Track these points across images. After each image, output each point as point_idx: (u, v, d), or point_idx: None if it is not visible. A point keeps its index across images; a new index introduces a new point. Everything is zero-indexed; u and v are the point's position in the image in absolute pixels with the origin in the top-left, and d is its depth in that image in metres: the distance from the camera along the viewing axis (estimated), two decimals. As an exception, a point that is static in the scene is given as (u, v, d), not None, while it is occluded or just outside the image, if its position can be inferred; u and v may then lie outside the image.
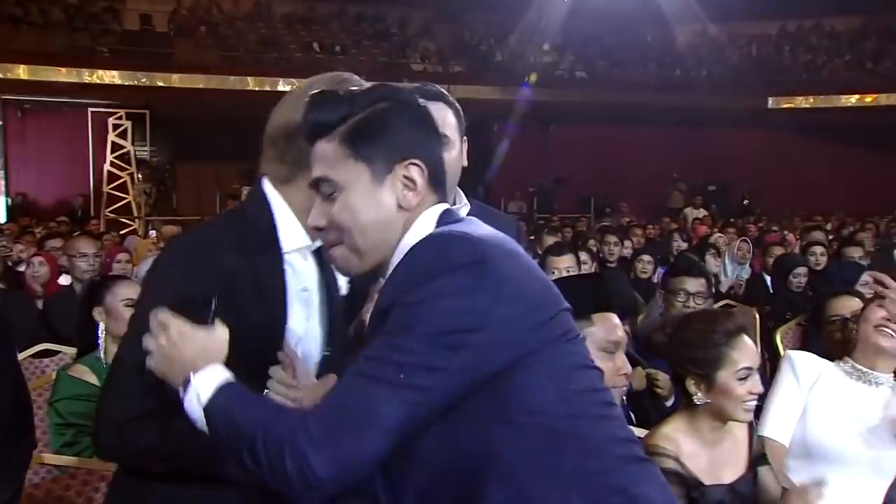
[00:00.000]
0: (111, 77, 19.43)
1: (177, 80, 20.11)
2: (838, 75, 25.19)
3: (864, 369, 2.86)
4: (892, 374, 2.87)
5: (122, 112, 18.68)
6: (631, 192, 22.60)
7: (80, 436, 3.11)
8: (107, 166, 18.50)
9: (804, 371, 2.87)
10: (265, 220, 1.83)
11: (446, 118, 2.31)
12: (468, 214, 2.18)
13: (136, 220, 17.01)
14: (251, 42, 22.38)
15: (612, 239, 8.27)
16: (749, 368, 2.37)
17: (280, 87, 20.61)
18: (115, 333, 3.43)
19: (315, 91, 1.65)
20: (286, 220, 1.83)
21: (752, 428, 2.58)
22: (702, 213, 18.29)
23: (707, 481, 2.34)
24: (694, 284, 4.33)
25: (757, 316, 6.46)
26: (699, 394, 2.38)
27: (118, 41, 20.80)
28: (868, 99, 24.33)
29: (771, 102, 24.84)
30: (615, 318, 2.36)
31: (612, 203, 21.84)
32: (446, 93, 2.36)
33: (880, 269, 2.81)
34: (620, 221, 16.44)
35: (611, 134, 23.28)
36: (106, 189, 18.47)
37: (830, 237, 10.56)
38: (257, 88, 20.78)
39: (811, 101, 24.80)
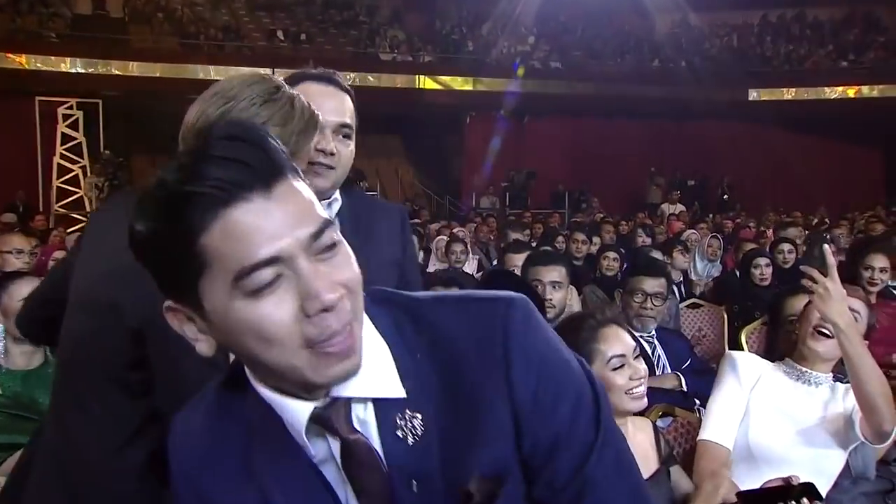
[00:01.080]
0: (61, 64, 19.02)
1: (132, 68, 19.75)
2: (821, 66, 25.29)
3: (804, 369, 2.87)
4: (831, 374, 2.88)
5: (73, 101, 18.28)
6: (608, 187, 22.58)
7: None
8: (56, 158, 18.13)
9: (745, 372, 2.88)
10: None
11: (346, 104, 2.24)
12: (352, 205, 2.30)
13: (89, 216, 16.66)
14: (212, 29, 22.05)
15: (580, 237, 8.40)
16: (621, 356, 2.45)
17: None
18: (15, 334, 3.38)
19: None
20: None
21: (657, 429, 2.68)
22: (678, 208, 18.25)
23: None
24: (652, 284, 4.34)
25: (725, 315, 6.35)
26: None
27: (68, 26, 20.40)
28: (850, 91, 24.41)
29: (752, 94, 24.91)
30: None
31: (588, 199, 21.72)
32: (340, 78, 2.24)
33: (811, 262, 2.61)
34: (593, 217, 16.34)
35: (587, 127, 23.22)
36: (56, 183, 18.10)
37: (807, 233, 10.60)
38: (218, 78, 20.45)
39: (793, 92, 24.86)
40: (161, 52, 20.59)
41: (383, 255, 2.33)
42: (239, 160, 1.03)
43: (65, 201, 18.04)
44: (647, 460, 2.51)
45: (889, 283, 5.87)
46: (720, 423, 2.80)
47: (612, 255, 7.19)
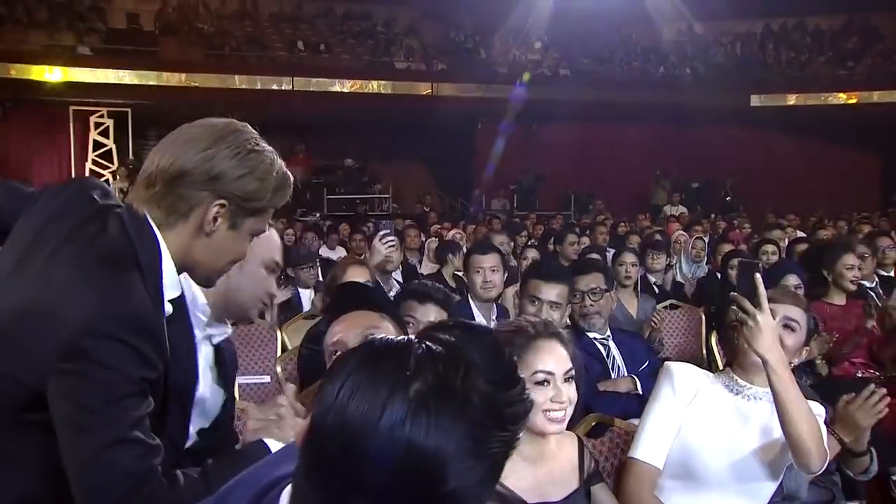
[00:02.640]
0: (95, 75, 19.36)
1: (161, 78, 20.07)
2: (821, 73, 25.19)
3: (743, 383, 2.65)
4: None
5: (104, 110, 18.58)
6: (614, 189, 22.56)
7: None
8: (88, 164, 18.44)
9: (682, 386, 2.63)
10: (156, 266, 1.72)
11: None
12: None
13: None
14: (237, 40, 22.29)
15: (572, 237, 8.14)
16: (547, 373, 2.24)
17: (259, 86, 20.67)
18: None
19: None
20: (168, 266, 1.74)
21: (583, 444, 2.48)
22: (679, 210, 18.27)
23: (532, 500, 2.21)
24: (585, 282, 4.22)
25: (703, 317, 6.38)
26: None
27: (103, 40, 20.73)
28: (844, 96, 24.37)
29: (754, 100, 24.77)
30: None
31: (594, 201, 21.80)
32: None
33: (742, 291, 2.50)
34: (595, 218, 16.39)
35: (594, 131, 23.19)
36: (87, 187, 18.38)
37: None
38: (243, 87, 20.77)
39: (795, 98, 24.76)
40: (188, 62, 20.86)
41: None
42: None
43: (96, 205, 18.29)
44: (566, 480, 2.35)
45: (865, 282, 5.77)
46: (652, 441, 2.59)
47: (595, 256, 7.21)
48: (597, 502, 2.38)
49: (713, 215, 18.17)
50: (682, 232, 10.56)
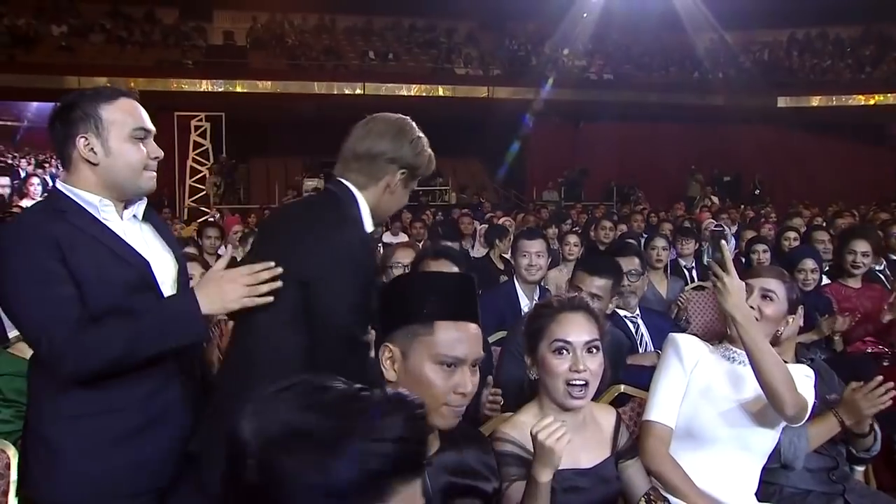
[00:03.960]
0: (193, 85, 20.09)
1: (249, 86, 20.61)
2: (841, 77, 24.96)
3: (734, 350, 2.63)
4: None
5: (202, 115, 19.08)
6: (653, 182, 22.47)
7: (17, 419, 2.62)
8: (189, 162, 18.96)
9: (687, 353, 2.60)
10: (356, 210, 2.27)
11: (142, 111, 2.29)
12: None
13: (213, 208, 17.36)
14: (315, 52, 22.68)
15: (608, 224, 8.02)
16: (566, 342, 2.11)
17: (335, 91, 21.00)
18: None
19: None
20: (365, 211, 2.28)
21: (620, 419, 2.35)
22: (709, 201, 18.10)
23: (564, 465, 1.99)
24: (623, 264, 4.02)
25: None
26: (533, 368, 2.21)
27: (203, 55, 21.38)
28: (862, 98, 24.17)
29: (780, 102, 24.59)
30: (468, 328, 1.83)
31: (635, 192, 21.75)
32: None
33: (715, 258, 2.49)
34: (634, 209, 16.35)
35: (635, 130, 23.09)
36: (188, 182, 18.94)
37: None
38: (321, 92, 21.16)
39: (817, 100, 24.52)
40: (272, 72, 21.33)
41: None
42: None
43: (195, 197, 18.85)
44: (598, 450, 2.24)
45: (875, 266, 5.75)
46: (663, 404, 2.56)
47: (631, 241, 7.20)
48: (626, 478, 2.25)
49: (742, 206, 18.01)
50: (711, 220, 10.43)
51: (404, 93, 21.81)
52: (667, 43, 25.81)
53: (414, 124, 2.38)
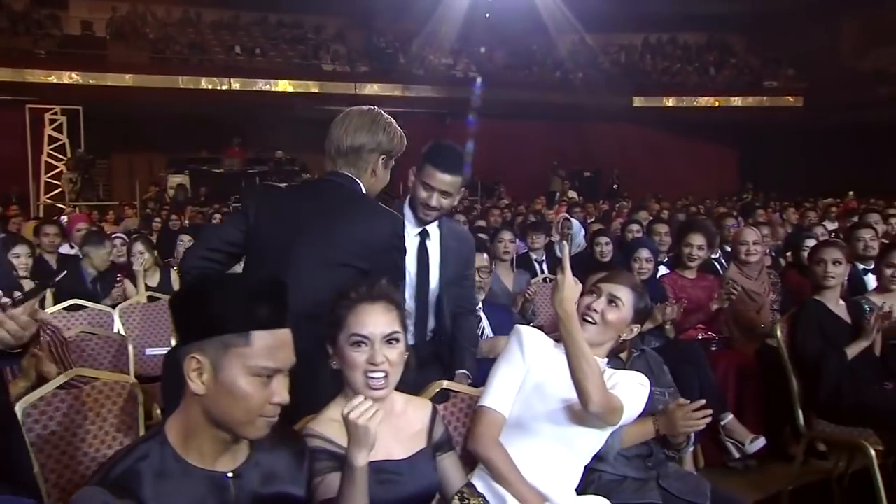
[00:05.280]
0: (47, 77, 19.07)
1: (110, 79, 19.79)
2: (689, 80, 26.29)
3: None
4: (606, 359, 2.69)
5: (57, 108, 18.23)
6: (516, 178, 22.86)
7: None
8: (44, 157, 18.09)
9: (529, 346, 2.60)
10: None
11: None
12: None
13: (70, 205, 16.67)
14: (179, 45, 22.01)
15: (461, 219, 8.32)
16: (363, 337, 2.06)
17: (202, 86, 20.47)
18: None
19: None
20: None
21: (436, 412, 2.30)
22: (571, 195, 18.60)
23: (375, 457, 1.93)
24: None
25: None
26: (334, 358, 2.14)
27: (58, 45, 20.33)
28: (705, 100, 25.62)
29: (636, 101, 25.54)
30: (283, 335, 1.70)
31: (498, 188, 22.12)
32: None
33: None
34: (497, 203, 16.67)
35: (500, 127, 23.41)
36: (44, 178, 18.07)
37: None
38: (187, 87, 20.57)
39: (671, 101, 25.68)
40: (134, 65, 20.56)
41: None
42: None
43: (51, 193, 18.03)
44: (411, 441, 2.18)
45: (712, 256, 6.05)
46: (499, 392, 2.56)
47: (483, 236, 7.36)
48: (442, 469, 2.21)
49: (601, 200, 18.59)
50: (564, 214, 10.66)
51: (269, 88, 21.51)
52: (530, 45, 26.34)
53: (382, 112, 2.71)
